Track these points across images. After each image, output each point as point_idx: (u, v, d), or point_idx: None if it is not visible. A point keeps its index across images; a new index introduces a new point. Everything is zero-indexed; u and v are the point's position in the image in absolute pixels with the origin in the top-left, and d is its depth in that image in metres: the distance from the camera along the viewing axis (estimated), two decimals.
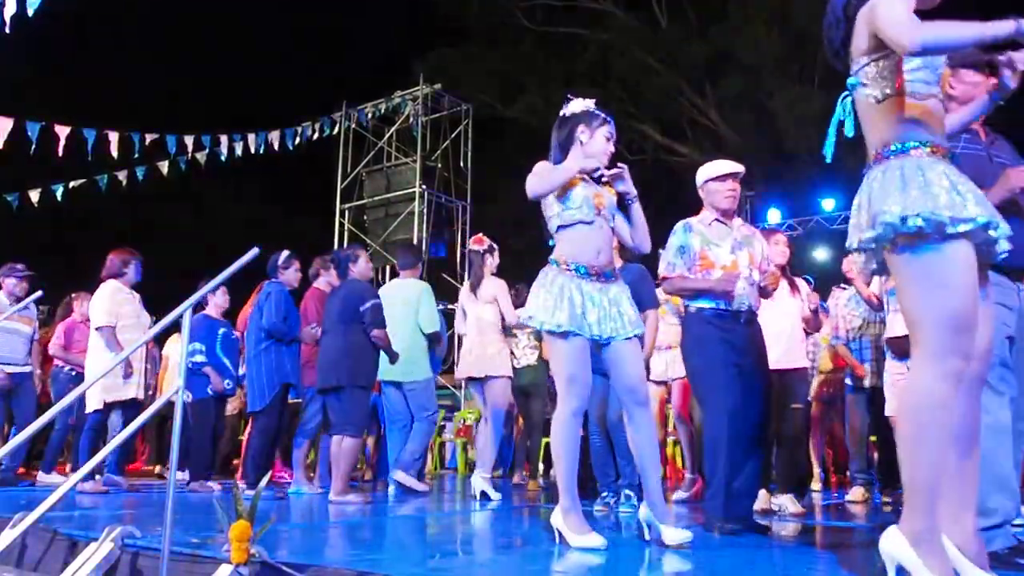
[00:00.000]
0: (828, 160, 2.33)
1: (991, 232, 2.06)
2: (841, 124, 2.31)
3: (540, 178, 3.22)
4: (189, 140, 11.71)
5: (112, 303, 5.97)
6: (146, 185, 11.40)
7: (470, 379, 5.93)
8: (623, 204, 3.39)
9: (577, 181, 3.23)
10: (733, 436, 3.53)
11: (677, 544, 3.01)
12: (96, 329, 5.97)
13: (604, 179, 3.31)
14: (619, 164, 3.34)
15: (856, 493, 5.79)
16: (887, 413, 5.30)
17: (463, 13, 19.86)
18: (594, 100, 3.42)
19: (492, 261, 5.97)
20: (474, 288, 5.91)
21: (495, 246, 6.04)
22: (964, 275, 2.00)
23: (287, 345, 5.93)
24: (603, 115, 3.36)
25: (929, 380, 1.99)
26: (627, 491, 4.78)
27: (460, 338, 6.43)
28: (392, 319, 5.55)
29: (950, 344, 1.97)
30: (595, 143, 3.30)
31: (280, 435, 6.24)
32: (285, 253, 6.14)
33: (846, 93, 2.32)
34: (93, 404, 5.91)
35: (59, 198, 10.73)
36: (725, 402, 3.56)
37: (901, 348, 4.89)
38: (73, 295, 7.26)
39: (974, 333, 2.01)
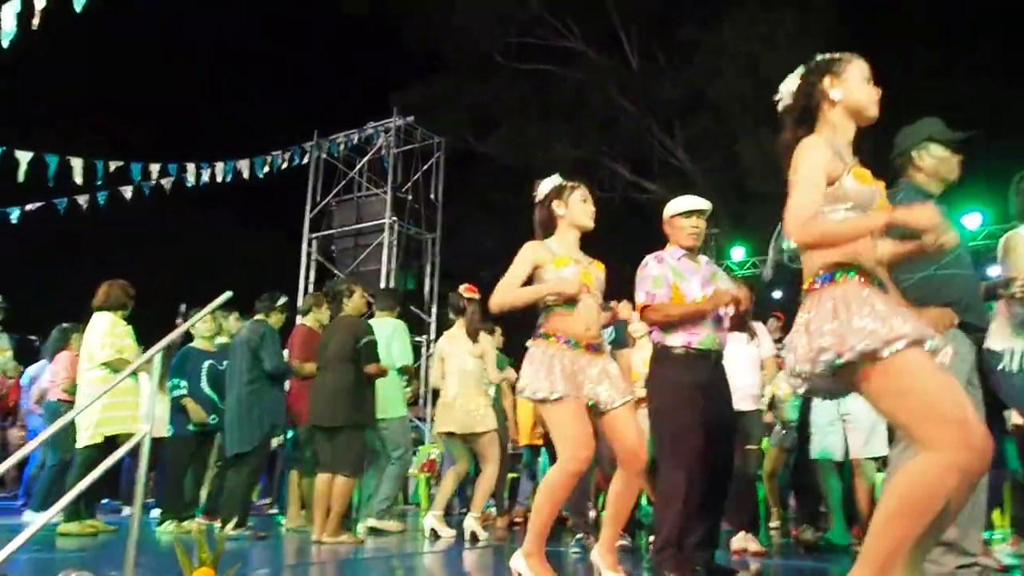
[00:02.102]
0: (765, 278, 2.46)
1: (926, 343, 2.12)
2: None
3: (505, 295, 3.26)
4: (155, 167, 11.61)
5: (114, 336, 5.80)
6: (110, 212, 11.26)
7: (448, 433, 5.76)
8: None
9: (568, 261, 3.28)
10: (690, 492, 3.52)
11: None
12: (102, 365, 5.66)
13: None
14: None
15: (807, 532, 5.80)
16: (812, 456, 5.33)
17: (438, 48, 20.02)
18: (557, 175, 3.48)
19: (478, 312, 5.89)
20: (471, 336, 5.79)
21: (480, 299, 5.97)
22: (925, 373, 2.06)
23: (276, 385, 5.84)
24: (571, 183, 3.42)
25: (940, 470, 2.00)
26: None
27: (423, 375, 6.35)
28: (389, 354, 5.62)
29: (961, 438, 1.99)
30: (574, 211, 3.38)
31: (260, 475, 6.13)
32: (284, 299, 6.06)
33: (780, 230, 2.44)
34: (84, 439, 5.62)
35: (14, 220, 10.55)
36: (686, 453, 3.54)
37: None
38: (65, 325, 7.09)
39: (974, 424, 2.02)
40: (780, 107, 2.47)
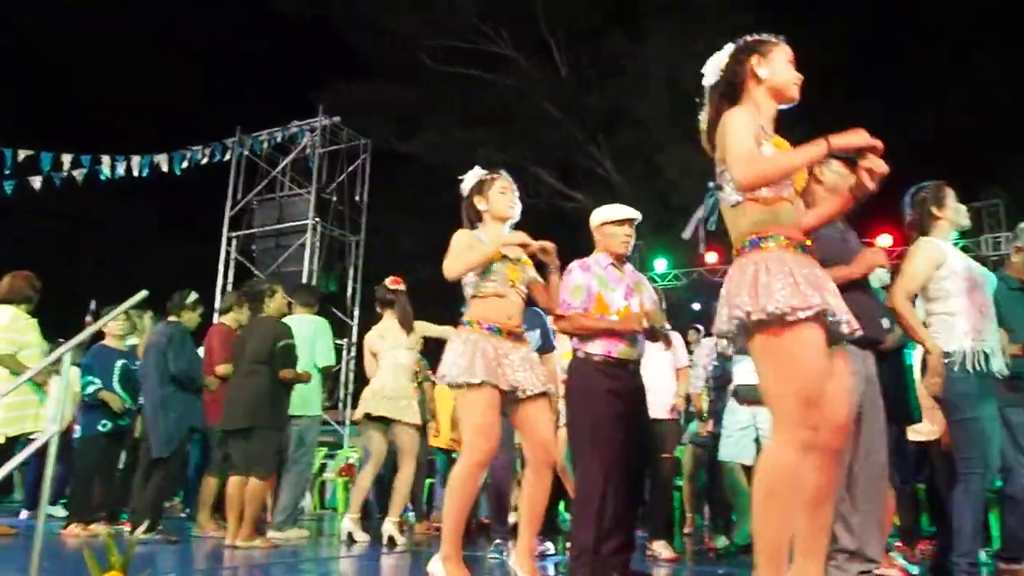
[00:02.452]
0: (684, 237, 2.54)
1: (830, 318, 2.24)
2: (705, 220, 2.53)
3: (456, 260, 3.29)
4: (67, 158, 11.19)
5: (14, 331, 5.54)
6: (17, 201, 10.81)
7: (375, 418, 5.64)
8: (543, 272, 3.48)
9: (497, 256, 3.30)
10: (607, 499, 3.56)
11: None
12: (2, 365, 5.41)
13: (530, 250, 3.40)
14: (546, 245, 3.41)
15: (719, 539, 5.95)
16: (720, 458, 5.48)
17: (366, 48, 19.85)
18: (477, 168, 3.50)
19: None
20: (405, 326, 5.71)
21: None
22: (810, 355, 2.19)
23: (192, 391, 5.68)
24: (490, 176, 3.43)
25: (780, 449, 2.16)
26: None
27: (348, 374, 6.25)
28: (306, 351, 5.54)
29: (799, 417, 2.15)
30: (495, 202, 3.40)
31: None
32: (194, 295, 5.85)
33: (711, 192, 2.52)
34: None
35: None
36: (603, 461, 3.58)
37: (744, 396, 5.14)
38: None
39: (820, 407, 2.17)
40: (705, 83, 2.55)
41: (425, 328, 5.77)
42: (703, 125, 2.52)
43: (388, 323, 5.75)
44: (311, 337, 5.99)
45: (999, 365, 3.47)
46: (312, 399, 6.07)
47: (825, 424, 2.20)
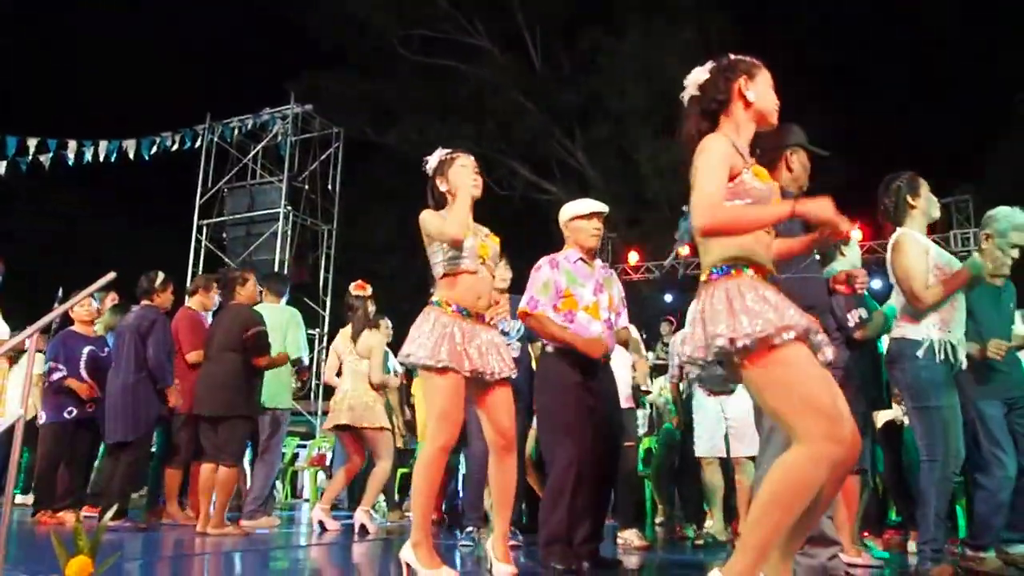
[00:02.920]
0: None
1: (811, 337, 2.24)
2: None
3: (441, 225, 3.24)
4: (32, 142, 11.01)
5: None
6: None
7: (341, 427, 5.64)
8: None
9: (466, 232, 3.29)
10: (577, 490, 3.58)
11: (503, 574, 3.14)
12: None
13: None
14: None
15: (689, 528, 6.02)
16: (698, 454, 5.53)
17: (340, 36, 19.69)
18: (440, 149, 3.48)
19: (371, 309, 5.79)
20: (354, 339, 5.70)
21: (372, 294, 5.86)
22: (810, 368, 2.17)
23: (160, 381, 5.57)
24: (450, 155, 3.41)
25: (810, 465, 2.11)
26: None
27: (320, 364, 6.22)
28: (277, 341, 5.55)
29: (824, 431, 2.11)
30: (456, 178, 3.35)
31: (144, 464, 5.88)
32: (161, 275, 5.73)
33: (684, 215, 2.52)
34: None
35: None
36: (572, 453, 3.59)
37: (710, 386, 5.15)
38: None
39: (846, 420, 2.14)
40: (685, 97, 2.52)
41: (375, 346, 5.71)
42: (681, 139, 2.50)
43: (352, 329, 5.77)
44: (284, 327, 5.97)
45: (963, 357, 3.52)
46: (285, 390, 6.06)
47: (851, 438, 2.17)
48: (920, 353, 3.43)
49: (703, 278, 2.36)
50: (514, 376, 3.33)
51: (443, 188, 3.38)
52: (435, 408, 3.13)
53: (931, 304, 3.49)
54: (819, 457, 2.11)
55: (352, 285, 5.83)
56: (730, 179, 2.31)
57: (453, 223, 3.22)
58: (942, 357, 3.43)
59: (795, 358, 2.17)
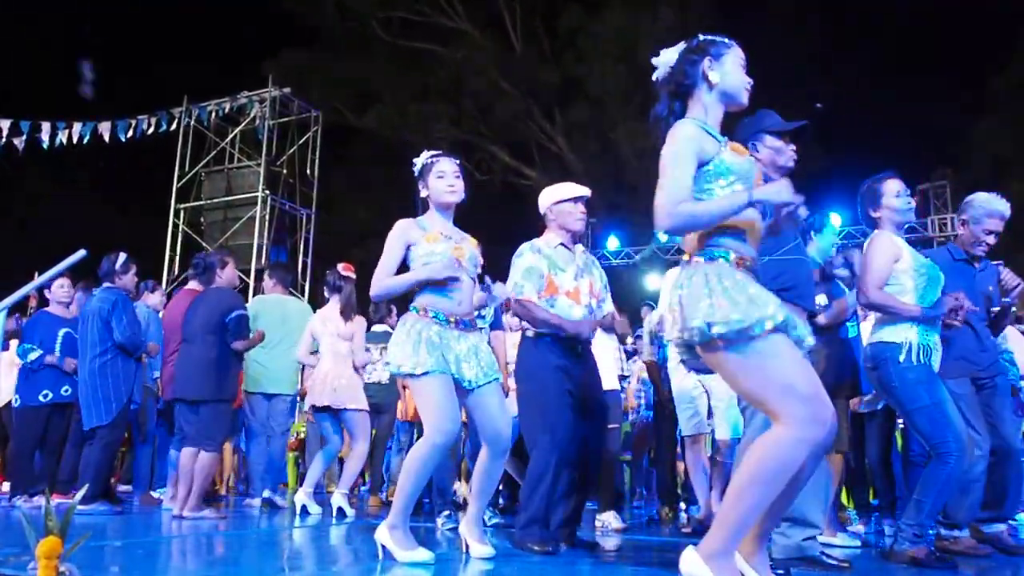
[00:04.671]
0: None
1: (790, 332, 2.25)
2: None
3: (382, 283, 3.23)
4: (5, 124, 10.84)
5: None
6: None
7: (322, 408, 5.60)
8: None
9: (437, 238, 3.25)
10: (557, 474, 3.58)
11: (481, 556, 3.19)
12: None
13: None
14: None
15: (663, 509, 6.02)
16: (685, 434, 5.53)
17: (317, 17, 19.51)
18: (425, 152, 3.46)
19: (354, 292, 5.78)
20: (347, 319, 5.65)
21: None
22: (785, 353, 2.19)
23: (131, 357, 5.53)
24: (431, 159, 3.38)
25: (792, 445, 2.14)
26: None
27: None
28: (289, 333, 5.79)
29: (812, 411, 2.14)
30: (432, 189, 3.33)
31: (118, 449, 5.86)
32: (122, 256, 5.58)
33: None
34: None
35: None
36: (554, 438, 3.59)
37: (691, 364, 5.14)
38: None
39: (827, 402, 2.17)
40: (656, 78, 2.52)
41: (358, 331, 5.71)
42: (652, 120, 2.49)
43: (332, 309, 5.70)
44: (301, 320, 6.01)
45: (938, 362, 3.52)
46: (294, 378, 6.25)
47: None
48: (901, 357, 3.43)
49: (684, 259, 2.37)
50: (499, 378, 3.32)
51: (424, 194, 3.36)
52: (431, 406, 3.11)
53: (871, 303, 3.51)
54: (803, 438, 2.14)
55: (340, 266, 5.78)
56: (706, 162, 2.32)
57: (377, 282, 3.23)
58: (924, 360, 3.42)
59: (771, 347, 2.18)
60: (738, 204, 2.27)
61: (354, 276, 5.76)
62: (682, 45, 2.49)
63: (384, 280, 3.24)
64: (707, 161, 2.31)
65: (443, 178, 3.33)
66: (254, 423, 6.22)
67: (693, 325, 2.21)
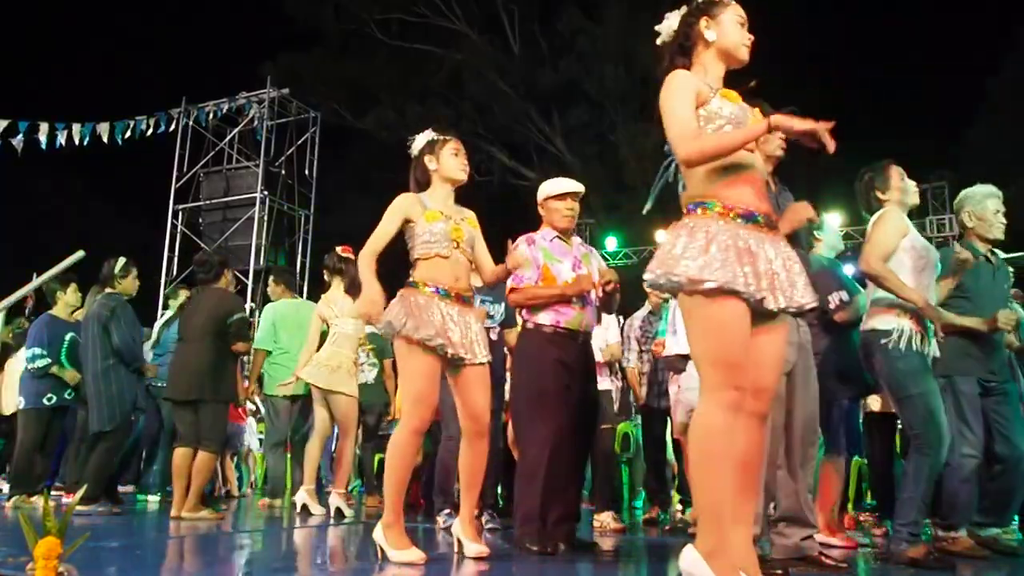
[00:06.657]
0: (644, 212, 2.56)
1: (745, 292, 2.23)
2: (667, 185, 2.54)
3: (366, 256, 3.27)
4: (2, 123, 10.84)
5: None
6: None
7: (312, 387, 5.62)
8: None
9: (437, 216, 3.27)
10: (552, 469, 3.57)
11: (474, 555, 3.18)
12: None
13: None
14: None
15: (653, 511, 5.99)
16: (676, 435, 5.52)
17: (316, 19, 19.49)
18: (431, 129, 3.47)
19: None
20: (354, 296, 5.51)
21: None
22: (731, 323, 2.20)
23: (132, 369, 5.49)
24: (442, 137, 3.41)
25: (709, 410, 2.19)
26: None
27: None
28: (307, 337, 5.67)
29: (723, 378, 2.19)
30: (445, 164, 3.37)
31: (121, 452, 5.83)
32: (122, 260, 5.55)
33: (670, 159, 2.53)
34: None
35: None
36: (548, 431, 3.58)
37: (669, 365, 5.13)
38: None
39: (744, 368, 2.21)
40: (659, 42, 2.57)
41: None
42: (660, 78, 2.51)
43: (336, 291, 5.69)
44: (305, 321, 5.98)
45: (935, 348, 3.51)
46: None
47: (751, 386, 2.24)
48: (892, 344, 3.42)
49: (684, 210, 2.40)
50: (488, 360, 3.32)
51: (431, 166, 3.37)
52: (410, 391, 3.14)
53: (871, 272, 3.47)
54: (717, 401, 2.18)
55: (338, 248, 5.76)
56: (698, 106, 2.35)
57: (364, 252, 3.26)
58: (915, 347, 3.42)
59: (717, 311, 2.20)
60: (757, 132, 2.29)
61: (353, 257, 5.74)
62: (683, 8, 2.53)
63: (374, 245, 3.27)
64: (699, 105, 2.35)
65: (458, 155, 3.38)
66: (273, 428, 6.21)
67: (657, 276, 2.26)
